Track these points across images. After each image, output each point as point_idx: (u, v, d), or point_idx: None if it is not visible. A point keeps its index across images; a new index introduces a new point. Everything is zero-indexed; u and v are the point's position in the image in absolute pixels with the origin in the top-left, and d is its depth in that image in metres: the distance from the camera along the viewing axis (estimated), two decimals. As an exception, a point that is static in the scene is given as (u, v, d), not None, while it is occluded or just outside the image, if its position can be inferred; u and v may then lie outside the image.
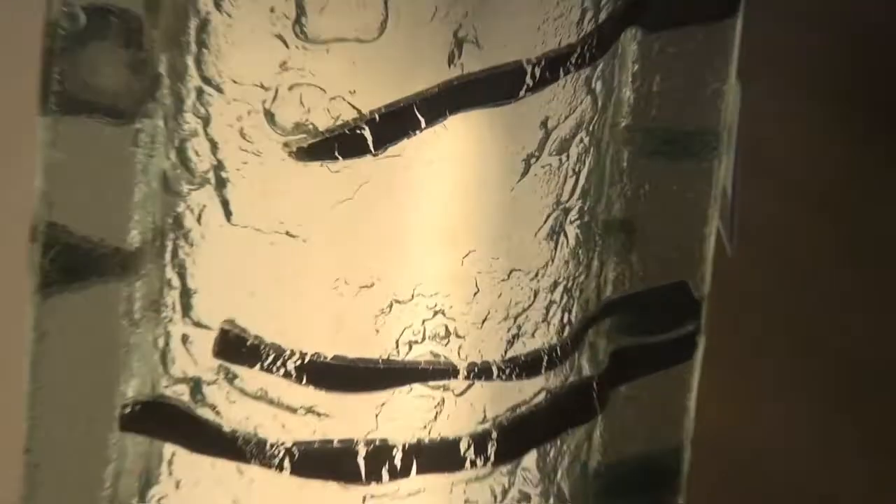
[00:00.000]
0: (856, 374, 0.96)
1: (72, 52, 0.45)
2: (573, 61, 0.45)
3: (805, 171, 0.77)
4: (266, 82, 0.43)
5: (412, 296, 0.45)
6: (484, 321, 0.45)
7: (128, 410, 0.49)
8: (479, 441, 0.47)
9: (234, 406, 0.47)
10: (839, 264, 0.88)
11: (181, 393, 0.48)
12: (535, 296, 0.46)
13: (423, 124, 0.43)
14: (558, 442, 0.52)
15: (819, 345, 0.98)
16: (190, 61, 0.44)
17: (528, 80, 0.44)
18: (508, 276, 0.45)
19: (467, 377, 0.46)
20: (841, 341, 0.97)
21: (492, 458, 0.48)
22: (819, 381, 0.99)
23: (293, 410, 0.46)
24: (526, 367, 0.47)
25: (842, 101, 0.74)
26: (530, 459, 0.51)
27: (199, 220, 0.45)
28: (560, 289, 0.47)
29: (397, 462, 0.47)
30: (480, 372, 0.47)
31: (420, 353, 0.45)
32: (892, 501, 0.97)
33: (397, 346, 0.45)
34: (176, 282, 0.47)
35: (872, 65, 0.75)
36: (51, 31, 0.43)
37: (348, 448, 0.46)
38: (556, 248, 0.46)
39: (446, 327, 0.45)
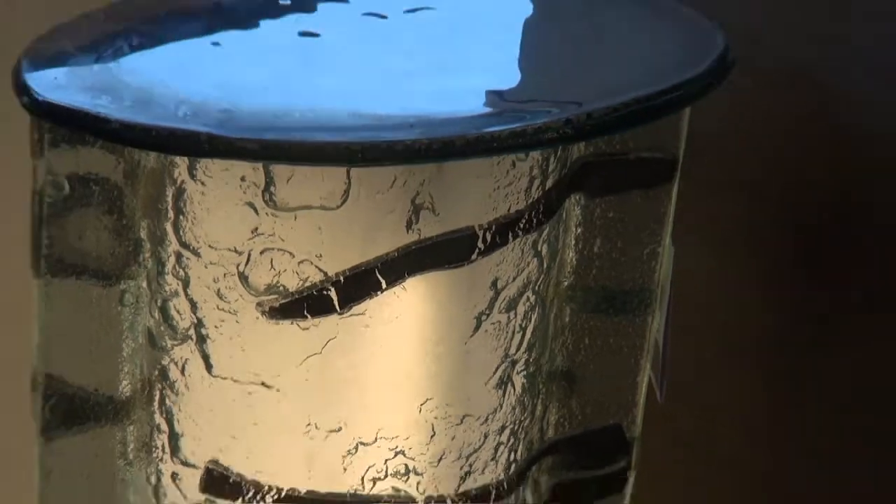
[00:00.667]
0: None
1: (58, 218, 0.47)
2: (521, 226, 0.48)
3: (732, 326, 0.80)
4: (239, 247, 0.45)
5: (375, 438, 0.48)
6: (440, 460, 0.49)
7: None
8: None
9: (220, 534, 0.51)
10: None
11: (173, 523, 0.52)
12: (485, 438, 0.50)
13: (384, 285, 0.46)
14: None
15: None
16: (168, 227, 0.47)
17: (480, 245, 0.46)
18: (462, 421, 0.49)
19: (425, 508, 0.51)
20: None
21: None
22: None
23: (272, 538, 0.50)
24: (476, 499, 0.50)
25: (765, 261, 0.77)
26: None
27: (182, 371, 0.48)
28: (507, 431, 0.51)
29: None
30: (437, 504, 0.51)
31: (383, 488, 0.49)
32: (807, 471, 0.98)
33: (363, 483, 0.49)
34: (164, 426, 0.50)
35: (794, 225, 0.77)
36: (38, 198, 0.46)
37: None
38: (504, 396, 0.50)
39: (406, 466, 0.49)
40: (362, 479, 0.49)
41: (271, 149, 0.38)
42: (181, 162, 0.46)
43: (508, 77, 0.49)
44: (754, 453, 0.83)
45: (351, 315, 0.46)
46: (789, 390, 0.78)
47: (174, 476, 0.51)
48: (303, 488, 0.50)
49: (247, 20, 0.53)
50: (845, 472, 0.78)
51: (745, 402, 0.78)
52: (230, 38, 0.51)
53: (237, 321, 0.47)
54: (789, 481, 0.84)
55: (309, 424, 0.48)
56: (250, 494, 0.49)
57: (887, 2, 0.63)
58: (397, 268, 0.46)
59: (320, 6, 0.55)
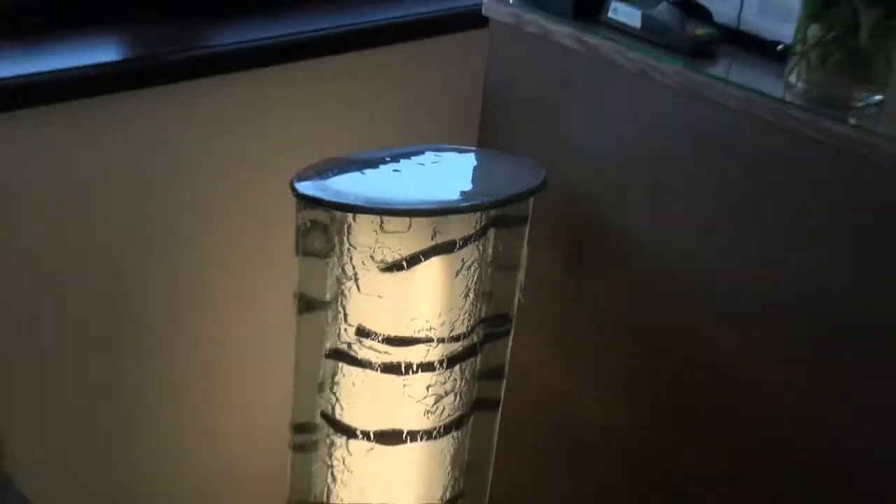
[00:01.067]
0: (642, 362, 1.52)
1: (304, 235, 1.28)
2: (474, 237, 1.29)
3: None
4: (369, 245, 1.26)
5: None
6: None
7: None
8: None
9: None
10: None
11: None
12: None
13: (421, 261, 1.26)
14: None
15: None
16: (344, 238, 1.28)
17: (459, 243, 1.27)
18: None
19: None
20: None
21: None
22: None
23: None
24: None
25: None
26: None
27: (349, 291, 1.29)
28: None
29: None
30: None
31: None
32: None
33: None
34: (342, 312, 1.30)
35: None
36: (298, 229, 1.27)
37: None
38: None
39: None
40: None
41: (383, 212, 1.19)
42: (348, 217, 1.23)
43: (465, 187, 1.29)
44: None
45: (411, 269, 1.24)
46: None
47: (346, 330, 1.28)
48: (393, 333, 1.27)
49: (379, 163, 1.31)
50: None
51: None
52: (373, 172, 1.29)
53: (370, 275, 1.26)
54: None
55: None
56: (378, 337, 1.26)
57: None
58: (426, 255, 1.24)
59: (402, 161, 1.32)
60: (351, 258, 1.29)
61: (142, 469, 1.60)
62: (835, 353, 1.25)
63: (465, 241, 1.30)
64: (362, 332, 1.32)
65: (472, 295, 1.35)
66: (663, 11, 1.35)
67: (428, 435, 1.40)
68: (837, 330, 1.24)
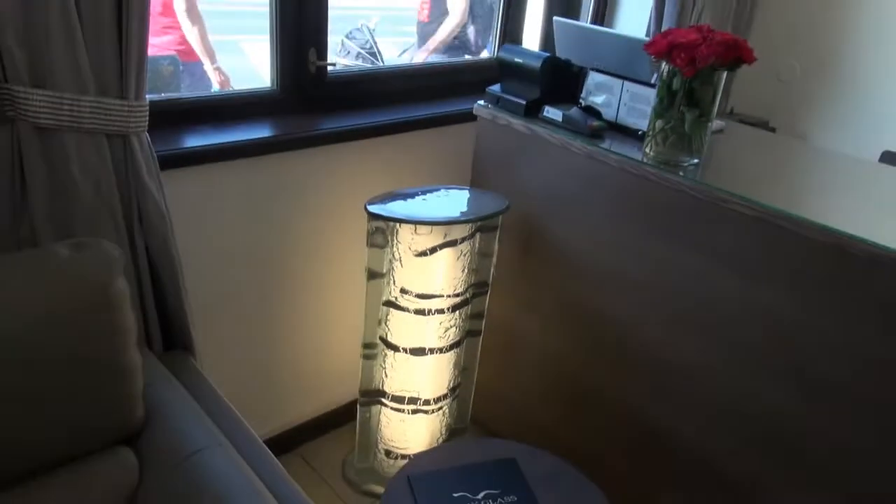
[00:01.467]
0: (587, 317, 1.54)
1: (371, 235, 1.45)
2: (468, 236, 1.47)
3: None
4: (409, 242, 1.44)
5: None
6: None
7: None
8: None
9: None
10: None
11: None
12: None
13: (438, 247, 1.43)
14: None
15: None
16: (394, 236, 1.46)
17: (459, 240, 1.45)
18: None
19: None
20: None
21: None
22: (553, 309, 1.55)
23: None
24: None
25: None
26: None
27: (394, 267, 1.46)
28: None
29: None
30: None
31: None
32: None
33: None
34: (392, 277, 1.46)
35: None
36: (367, 232, 1.46)
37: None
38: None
39: None
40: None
41: (416, 222, 1.36)
42: (395, 226, 1.38)
43: (463, 209, 1.42)
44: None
45: (432, 255, 1.41)
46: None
47: (394, 289, 1.42)
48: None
49: (414, 195, 1.45)
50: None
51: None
52: (410, 199, 1.42)
53: (408, 259, 1.41)
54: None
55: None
56: (412, 294, 1.42)
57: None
58: (441, 248, 1.41)
59: (427, 194, 1.47)
60: (398, 248, 1.41)
61: (279, 361, 1.64)
62: (686, 310, 1.31)
63: (463, 240, 1.43)
64: (403, 291, 1.44)
65: (466, 270, 1.47)
66: (574, 112, 1.45)
67: (440, 350, 1.50)
68: (685, 294, 1.30)
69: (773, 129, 2.24)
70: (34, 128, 0.94)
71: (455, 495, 1.19)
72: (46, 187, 0.97)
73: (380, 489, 1.63)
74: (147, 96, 1.04)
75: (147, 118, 1.04)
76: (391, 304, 1.47)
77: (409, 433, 1.59)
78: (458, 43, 2.92)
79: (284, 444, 1.74)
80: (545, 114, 1.51)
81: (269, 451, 0.98)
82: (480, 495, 1.19)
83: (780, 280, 1.17)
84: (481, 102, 1.61)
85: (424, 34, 2.98)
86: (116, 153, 1.03)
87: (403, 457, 1.62)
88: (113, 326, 0.82)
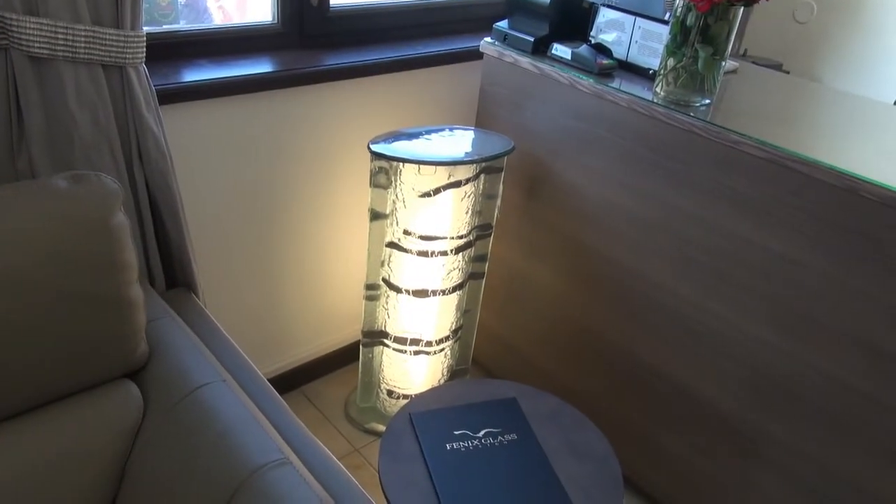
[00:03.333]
0: (584, 257, 1.50)
1: (374, 175, 1.43)
2: (473, 177, 1.45)
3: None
4: (414, 183, 1.42)
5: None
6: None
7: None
8: None
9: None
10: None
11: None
12: None
13: (442, 189, 1.42)
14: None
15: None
16: (398, 177, 1.44)
17: (464, 180, 1.43)
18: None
19: None
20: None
21: None
22: (559, 256, 1.52)
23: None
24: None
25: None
26: None
27: (397, 208, 1.44)
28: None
29: None
30: None
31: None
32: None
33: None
34: (395, 218, 1.46)
35: None
36: (371, 172, 1.43)
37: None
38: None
39: None
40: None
41: (420, 162, 1.34)
42: (398, 165, 1.36)
43: (468, 150, 1.39)
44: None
45: (436, 196, 1.40)
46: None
47: (396, 231, 1.42)
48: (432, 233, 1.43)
49: (418, 135, 1.43)
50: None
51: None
52: (415, 139, 1.39)
53: (412, 199, 1.40)
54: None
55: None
56: (415, 235, 1.42)
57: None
58: (445, 189, 1.40)
59: (432, 134, 1.47)
60: (401, 189, 1.39)
61: (282, 300, 1.63)
62: (693, 253, 1.31)
63: (467, 181, 1.41)
64: (406, 232, 1.43)
65: (470, 212, 1.46)
66: (584, 50, 1.42)
67: (443, 292, 1.51)
68: (692, 238, 1.30)
69: (786, 73, 2.18)
70: (28, 57, 0.92)
71: (456, 433, 1.20)
72: (43, 119, 0.95)
73: (381, 427, 1.66)
74: (144, 28, 1.01)
75: (144, 49, 1.01)
76: (394, 245, 1.46)
77: (411, 374, 1.60)
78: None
79: (287, 383, 1.76)
80: (553, 51, 1.48)
81: (273, 388, 0.98)
82: (481, 433, 1.21)
83: (791, 223, 1.15)
84: (488, 39, 1.58)
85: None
86: (114, 85, 1.01)
87: (405, 397, 1.64)
88: (112, 259, 0.81)
